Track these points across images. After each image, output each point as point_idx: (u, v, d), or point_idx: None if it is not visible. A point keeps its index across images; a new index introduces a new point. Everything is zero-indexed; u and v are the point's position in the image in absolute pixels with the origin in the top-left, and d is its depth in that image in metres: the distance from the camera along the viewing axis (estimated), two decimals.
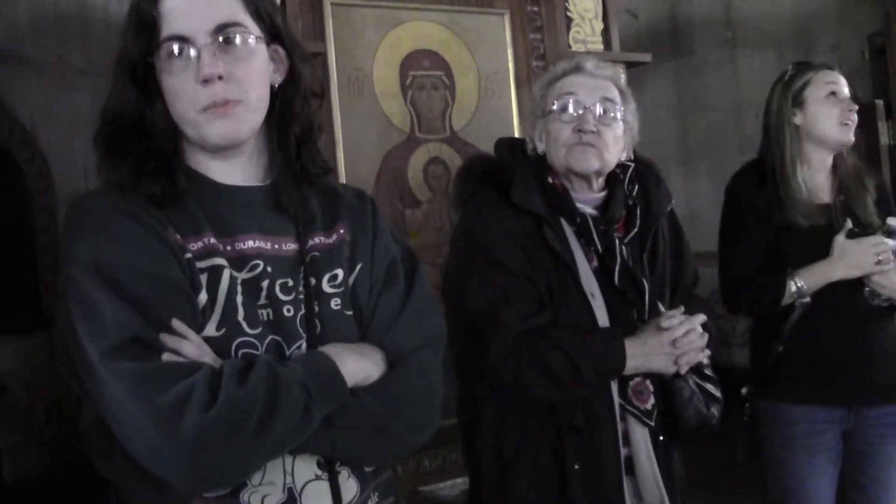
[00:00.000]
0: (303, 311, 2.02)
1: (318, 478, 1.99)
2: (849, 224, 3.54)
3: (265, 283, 1.99)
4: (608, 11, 4.71)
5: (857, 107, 3.65)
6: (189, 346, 1.84)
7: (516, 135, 4.23)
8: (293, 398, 1.83)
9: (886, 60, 5.14)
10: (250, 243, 2.01)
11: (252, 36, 2.00)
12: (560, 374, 2.75)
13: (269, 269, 2.01)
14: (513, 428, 2.88)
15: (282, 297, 2.01)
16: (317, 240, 2.11)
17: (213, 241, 1.96)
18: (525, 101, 4.27)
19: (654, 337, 2.82)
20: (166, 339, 1.83)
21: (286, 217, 2.09)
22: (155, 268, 1.86)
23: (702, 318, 2.91)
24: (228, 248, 1.98)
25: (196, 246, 1.95)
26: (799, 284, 3.49)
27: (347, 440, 1.96)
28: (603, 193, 3.00)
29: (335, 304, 2.07)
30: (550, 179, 2.96)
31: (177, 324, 1.84)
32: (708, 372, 3.03)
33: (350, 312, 2.10)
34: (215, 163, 2.05)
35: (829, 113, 3.60)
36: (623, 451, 2.85)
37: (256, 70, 2.01)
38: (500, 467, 2.89)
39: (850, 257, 3.49)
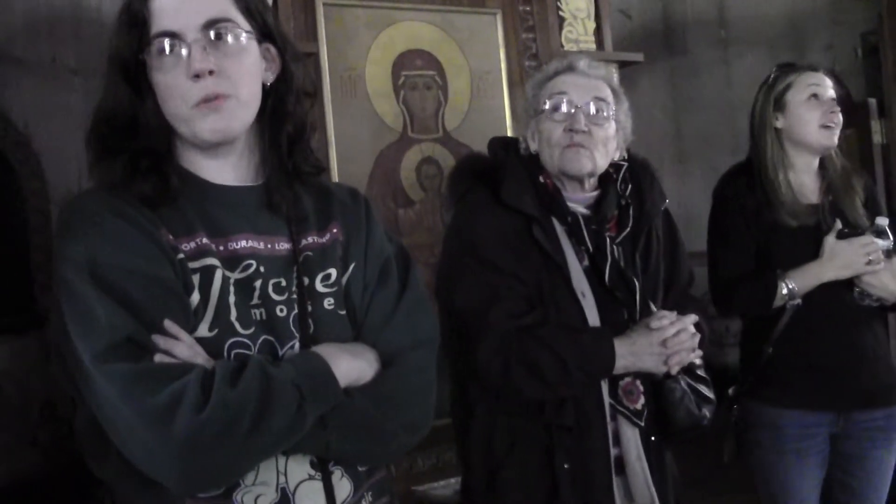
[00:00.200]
0: (296, 311, 2.02)
1: (311, 478, 1.99)
2: (838, 225, 3.54)
3: (258, 283, 1.99)
4: (601, 11, 4.70)
5: (839, 108, 3.64)
6: (181, 346, 1.84)
7: (509, 134, 4.23)
8: (286, 399, 1.83)
9: (879, 59, 5.14)
10: (243, 243, 2.01)
11: (243, 32, 2.00)
12: (548, 373, 2.75)
13: (261, 268, 2.00)
14: (503, 427, 2.88)
15: (275, 296, 2.01)
16: (310, 239, 2.11)
17: (205, 241, 1.96)
18: (518, 100, 4.26)
19: (644, 337, 2.83)
20: (158, 340, 1.83)
21: (279, 216, 2.09)
22: (147, 268, 1.86)
23: (693, 318, 2.91)
24: (221, 248, 1.98)
25: (188, 246, 1.95)
26: (790, 286, 3.49)
27: (341, 440, 1.96)
28: (595, 193, 3.01)
29: (328, 303, 2.07)
30: (542, 179, 2.96)
31: (169, 324, 1.84)
32: (700, 372, 3.03)
33: (343, 312, 2.10)
34: (208, 162, 2.05)
35: (810, 116, 3.59)
36: (614, 451, 2.86)
37: (247, 66, 2.01)
38: (490, 466, 2.89)
39: (840, 258, 3.49)
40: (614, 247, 2.92)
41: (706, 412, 2.97)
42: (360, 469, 2.08)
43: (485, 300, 2.79)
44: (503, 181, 2.92)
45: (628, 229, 2.97)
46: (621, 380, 2.87)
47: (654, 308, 2.94)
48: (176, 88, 1.96)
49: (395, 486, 2.33)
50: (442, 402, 2.22)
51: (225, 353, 1.92)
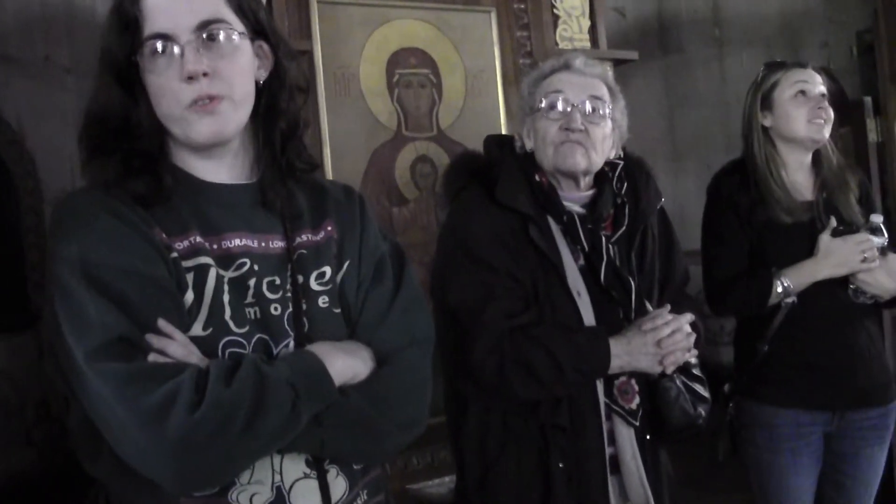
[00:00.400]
0: (290, 310, 2.02)
1: (306, 476, 1.99)
2: (833, 222, 3.54)
3: (252, 282, 1.99)
4: (595, 9, 4.70)
5: (826, 103, 3.64)
6: (175, 346, 1.84)
7: (503, 132, 4.22)
8: (280, 398, 1.83)
9: (875, 57, 5.13)
10: (237, 241, 2.01)
11: (236, 32, 1.99)
12: (542, 373, 2.75)
13: (255, 267, 2.00)
14: (497, 426, 2.88)
15: (269, 295, 2.00)
16: (304, 237, 2.11)
17: (199, 239, 1.96)
18: (512, 98, 4.27)
19: (639, 336, 2.82)
20: (152, 339, 1.82)
21: (273, 214, 2.08)
22: (141, 267, 1.86)
23: (689, 317, 2.91)
24: (215, 246, 1.98)
25: (182, 245, 1.94)
26: (785, 284, 3.50)
27: (336, 439, 1.96)
28: (591, 192, 3.00)
29: (323, 301, 2.07)
30: (537, 177, 2.95)
31: (162, 324, 1.84)
32: (696, 371, 3.03)
33: (338, 310, 2.10)
34: (201, 161, 2.04)
35: (798, 113, 3.60)
36: (609, 451, 2.86)
37: (241, 66, 2.01)
38: (484, 465, 2.89)
39: (836, 256, 3.49)
40: (610, 246, 2.92)
41: (701, 411, 2.97)
42: (355, 467, 2.08)
43: (480, 299, 2.78)
44: (498, 180, 2.92)
45: (624, 228, 2.97)
46: (616, 379, 2.87)
47: (649, 307, 2.94)
48: (169, 90, 1.95)
49: (390, 484, 2.34)
50: (436, 400, 2.22)
51: (219, 352, 1.92)
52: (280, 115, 2.10)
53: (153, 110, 1.99)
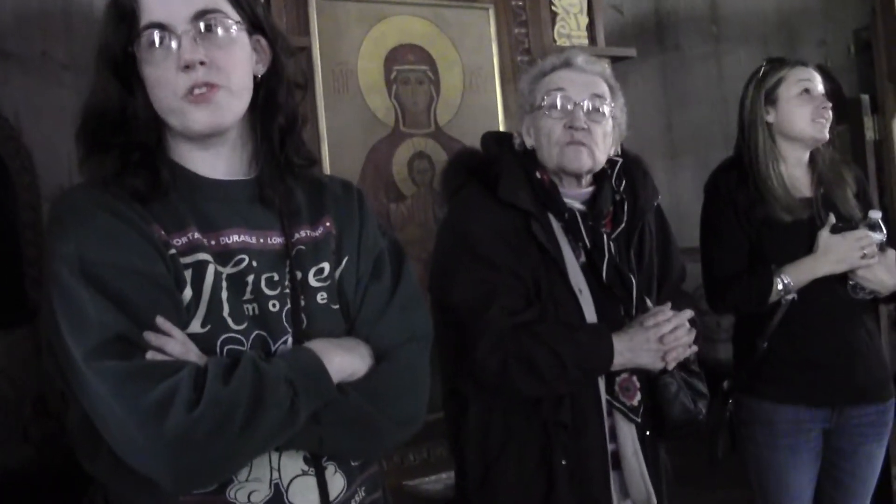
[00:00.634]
0: (288, 306, 2.02)
1: (304, 473, 1.99)
2: (832, 219, 3.54)
3: (250, 278, 1.99)
4: (593, 6, 4.69)
5: (830, 103, 3.65)
6: (173, 343, 1.84)
7: (501, 129, 4.22)
8: (278, 396, 1.83)
9: (872, 55, 5.14)
10: (235, 237, 2.00)
11: (233, 23, 1.99)
12: (545, 371, 2.75)
13: (254, 263, 2.00)
14: (498, 424, 2.88)
15: (267, 291, 2.00)
16: (302, 233, 2.10)
17: (197, 235, 1.95)
18: (510, 95, 4.27)
19: (641, 333, 2.82)
20: (150, 336, 1.82)
21: (271, 210, 2.08)
22: (138, 264, 1.85)
23: (689, 313, 2.91)
24: (213, 242, 1.98)
25: (180, 241, 1.94)
26: (785, 281, 3.50)
27: (334, 436, 1.96)
28: (591, 188, 3.00)
29: (321, 298, 2.07)
30: (538, 174, 2.95)
31: (160, 321, 1.84)
32: (694, 367, 3.03)
33: (336, 306, 2.09)
34: (199, 154, 2.04)
35: (802, 111, 3.60)
36: (610, 447, 2.86)
37: (238, 57, 2.01)
38: (485, 463, 2.89)
39: (835, 252, 3.49)
40: (611, 243, 2.92)
41: (701, 407, 2.98)
42: (352, 464, 2.08)
43: (482, 297, 2.78)
44: (499, 177, 2.92)
45: (623, 225, 2.97)
46: (618, 376, 2.87)
47: (649, 304, 2.94)
48: (166, 81, 1.95)
49: (387, 480, 2.34)
50: (434, 396, 2.22)
51: (218, 349, 1.91)
52: (278, 110, 2.10)
53: (150, 102, 1.98)
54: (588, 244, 2.89)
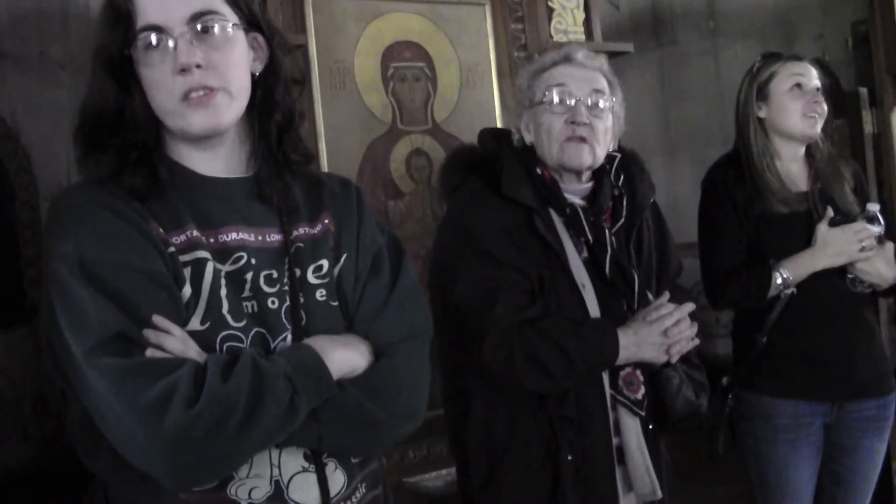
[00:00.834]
0: (287, 303, 2.02)
1: (305, 470, 2.00)
2: (830, 212, 3.55)
3: (249, 276, 1.99)
4: (590, 1, 4.68)
5: (822, 97, 3.65)
6: (173, 341, 1.84)
7: (498, 126, 4.22)
8: (278, 393, 1.83)
9: (870, 49, 5.13)
10: (234, 235, 2.00)
11: (229, 24, 1.99)
12: (552, 366, 2.75)
13: (252, 260, 2.00)
14: (503, 420, 2.89)
15: (266, 289, 2.00)
16: (301, 230, 2.10)
17: (195, 233, 1.96)
18: (507, 91, 4.27)
19: (646, 327, 2.84)
20: (150, 334, 1.82)
21: (270, 208, 2.08)
22: (138, 263, 1.86)
23: (691, 306, 2.92)
24: (211, 240, 1.98)
25: (179, 239, 1.94)
26: (784, 275, 3.50)
27: (333, 433, 1.96)
28: (590, 184, 3.01)
29: (320, 295, 2.07)
30: (539, 170, 2.96)
31: (158, 319, 1.84)
32: (694, 360, 3.04)
33: (335, 303, 2.09)
34: (197, 153, 2.04)
35: (793, 106, 3.61)
36: (614, 441, 2.87)
37: (235, 58, 2.01)
38: (490, 460, 2.89)
39: (833, 246, 3.50)
40: (612, 237, 2.93)
41: (703, 400, 2.99)
42: (353, 461, 2.08)
43: (487, 294, 2.79)
44: (502, 173, 2.92)
45: (623, 220, 2.98)
46: (622, 370, 2.88)
47: (651, 298, 2.95)
48: (163, 83, 1.95)
49: (387, 477, 2.34)
50: (433, 393, 2.22)
51: (217, 347, 1.92)
52: (276, 107, 2.10)
53: (148, 103, 1.98)
54: (590, 239, 2.90)
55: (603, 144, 2.96)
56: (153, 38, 1.94)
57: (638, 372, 2.91)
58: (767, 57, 3.77)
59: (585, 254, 2.91)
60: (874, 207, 3.58)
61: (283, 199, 2.10)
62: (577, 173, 2.96)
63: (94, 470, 2.01)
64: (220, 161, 2.06)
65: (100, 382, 1.77)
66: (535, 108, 2.98)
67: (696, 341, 2.95)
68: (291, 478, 1.97)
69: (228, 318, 1.94)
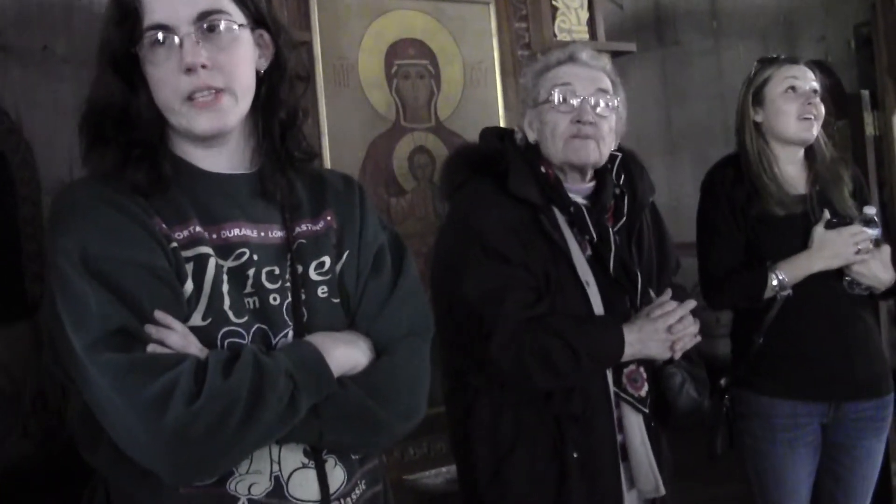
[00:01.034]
0: (289, 300, 2.02)
1: (304, 466, 2.00)
2: (827, 215, 3.55)
3: (251, 272, 1.99)
4: (593, 1, 4.69)
5: (818, 99, 3.65)
6: (174, 336, 1.84)
7: (502, 124, 4.23)
8: (279, 389, 1.83)
9: (873, 51, 5.14)
10: (236, 231, 2.00)
11: (235, 23, 1.99)
12: (560, 363, 2.76)
13: (255, 256, 2.00)
14: (509, 418, 2.89)
15: (268, 285, 2.00)
16: (303, 227, 2.11)
17: (198, 229, 1.96)
18: (510, 90, 4.27)
19: (650, 324, 2.85)
20: (151, 330, 1.82)
21: (272, 204, 2.08)
22: (140, 258, 1.86)
23: (693, 303, 2.94)
24: (214, 236, 1.98)
25: (182, 235, 1.94)
26: (780, 277, 3.51)
27: (334, 430, 1.96)
28: (592, 183, 3.02)
29: (322, 291, 2.07)
30: (543, 169, 2.96)
31: (160, 315, 1.84)
32: (694, 358, 3.05)
33: (337, 300, 2.09)
34: (201, 151, 2.04)
35: (788, 109, 3.61)
36: (618, 438, 2.88)
37: (241, 57, 2.01)
38: (496, 457, 2.90)
39: (830, 248, 3.50)
40: (615, 236, 2.93)
41: (705, 396, 3.00)
42: (353, 457, 2.08)
43: (495, 291, 2.79)
44: (508, 171, 2.92)
45: (624, 219, 2.99)
46: (625, 367, 2.89)
47: (653, 295, 2.96)
48: (168, 82, 1.95)
49: (387, 474, 2.34)
50: (434, 390, 2.22)
51: (218, 343, 1.92)
52: (280, 104, 2.10)
53: (153, 101, 1.98)
54: (594, 237, 2.90)
55: (608, 143, 2.97)
56: (160, 36, 1.94)
57: (641, 369, 2.92)
58: (764, 61, 3.78)
59: (589, 252, 2.92)
60: (871, 210, 3.58)
61: (285, 196, 2.10)
62: (581, 172, 2.97)
63: (94, 464, 2.01)
64: (223, 157, 2.07)
65: (101, 378, 1.77)
66: (539, 107, 2.99)
67: (699, 338, 2.96)
68: (291, 474, 1.97)
69: (230, 314, 1.94)
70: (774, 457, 3.61)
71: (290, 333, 2.00)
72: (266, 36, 2.09)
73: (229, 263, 1.97)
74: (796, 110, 3.60)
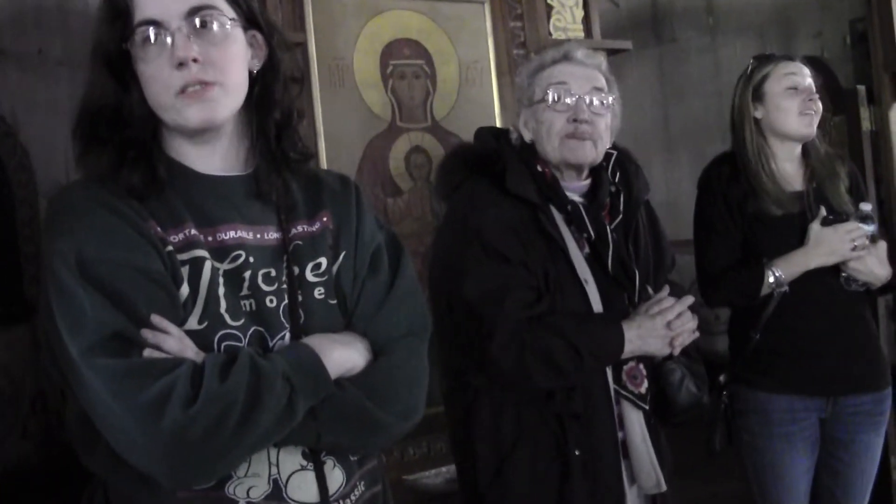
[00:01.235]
0: (286, 302, 2.02)
1: (303, 468, 2.00)
2: (823, 212, 3.56)
3: (247, 274, 1.99)
4: None
5: (817, 95, 3.66)
6: (171, 340, 1.84)
7: (498, 123, 4.23)
8: (276, 392, 1.83)
9: (868, 46, 5.14)
10: (231, 233, 2.00)
11: (227, 19, 1.99)
12: (562, 362, 2.77)
13: (250, 259, 2.00)
14: (510, 417, 2.89)
15: (264, 287, 2.00)
16: (299, 228, 2.10)
17: (193, 232, 1.96)
18: (506, 89, 4.27)
19: (649, 320, 2.85)
20: (147, 334, 1.82)
21: (268, 206, 2.08)
22: (135, 261, 1.86)
23: (691, 299, 2.94)
24: (209, 238, 1.98)
25: (177, 238, 1.94)
26: (777, 274, 3.52)
27: (332, 431, 1.96)
28: (588, 181, 3.02)
29: (319, 293, 2.07)
30: (539, 168, 2.97)
31: (156, 319, 1.84)
32: (693, 354, 3.06)
33: (334, 301, 2.09)
34: (195, 150, 2.04)
35: (789, 106, 3.62)
36: (619, 436, 2.88)
37: (233, 53, 2.00)
38: (499, 456, 2.90)
39: (826, 245, 3.51)
40: (613, 233, 2.94)
41: (704, 391, 3.01)
42: (352, 459, 2.08)
43: (496, 291, 2.79)
44: (505, 171, 2.93)
45: (620, 216, 3.00)
46: (625, 364, 2.90)
47: (651, 292, 2.97)
48: (160, 78, 1.95)
49: (386, 475, 2.34)
50: (433, 390, 2.22)
51: (215, 346, 1.92)
52: (274, 105, 2.10)
53: (145, 99, 1.98)
54: (592, 235, 2.91)
55: (604, 141, 2.98)
56: (151, 32, 1.94)
57: (641, 366, 2.93)
58: (760, 58, 3.79)
59: (587, 249, 2.92)
60: (867, 207, 3.59)
61: (281, 197, 2.10)
62: (577, 170, 2.98)
63: (92, 468, 2.01)
64: (217, 158, 2.06)
65: (97, 382, 1.77)
66: (535, 106, 2.99)
67: (697, 334, 2.96)
68: (290, 476, 1.97)
69: (226, 316, 1.94)
70: (772, 452, 3.61)
71: (287, 335, 2.00)
72: (259, 37, 2.09)
73: (225, 266, 1.97)
74: (797, 106, 3.61)
